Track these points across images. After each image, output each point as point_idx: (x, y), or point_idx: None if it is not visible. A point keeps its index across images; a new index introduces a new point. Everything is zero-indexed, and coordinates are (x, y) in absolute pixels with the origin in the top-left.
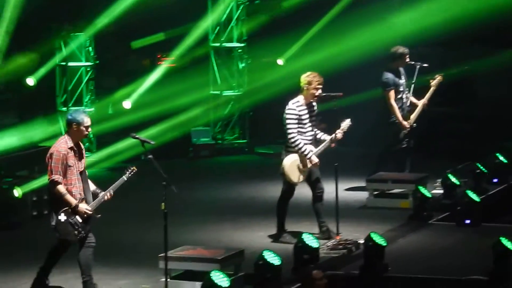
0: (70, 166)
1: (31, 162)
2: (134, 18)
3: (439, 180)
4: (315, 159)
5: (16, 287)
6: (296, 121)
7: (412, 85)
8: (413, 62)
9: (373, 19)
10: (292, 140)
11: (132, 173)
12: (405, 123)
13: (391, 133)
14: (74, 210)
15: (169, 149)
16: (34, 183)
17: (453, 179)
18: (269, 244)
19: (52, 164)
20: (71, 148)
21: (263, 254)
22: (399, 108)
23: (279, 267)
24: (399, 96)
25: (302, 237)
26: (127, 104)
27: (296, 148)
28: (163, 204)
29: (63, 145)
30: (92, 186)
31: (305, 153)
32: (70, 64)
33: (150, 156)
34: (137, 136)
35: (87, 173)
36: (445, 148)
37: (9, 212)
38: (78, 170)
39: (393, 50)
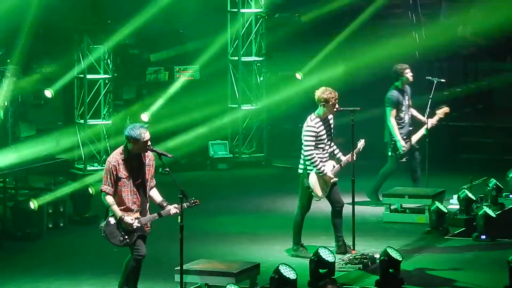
0: (121, 178)
1: (47, 174)
2: (153, 31)
3: (456, 195)
4: (331, 175)
5: None
6: (313, 139)
7: (429, 100)
8: (430, 78)
9: (393, 33)
10: (309, 157)
11: (193, 205)
12: (403, 142)
13: (392, 150)
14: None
15: (187, 163)
16: (51, 195)
17: (470, 194)
18: (285, 258)
19: (103, 174)
20: (124, 160)
21: (279, 268)
22: (399, 128)
23: (295, 281)
24: (400, 116)
25: (318, 251)
26: (145, 117)
27: (312, 166)
28: (179, 217)
29: (115, 156)
30: (158, 198)
31: (320, 170)
32: (88, 76)
33: (167, 169)
34: (154, 149)
35: (151, 184)
36: (463, 162)
37: (25, 224)
38: (134, 182)
39: (394, 68)
